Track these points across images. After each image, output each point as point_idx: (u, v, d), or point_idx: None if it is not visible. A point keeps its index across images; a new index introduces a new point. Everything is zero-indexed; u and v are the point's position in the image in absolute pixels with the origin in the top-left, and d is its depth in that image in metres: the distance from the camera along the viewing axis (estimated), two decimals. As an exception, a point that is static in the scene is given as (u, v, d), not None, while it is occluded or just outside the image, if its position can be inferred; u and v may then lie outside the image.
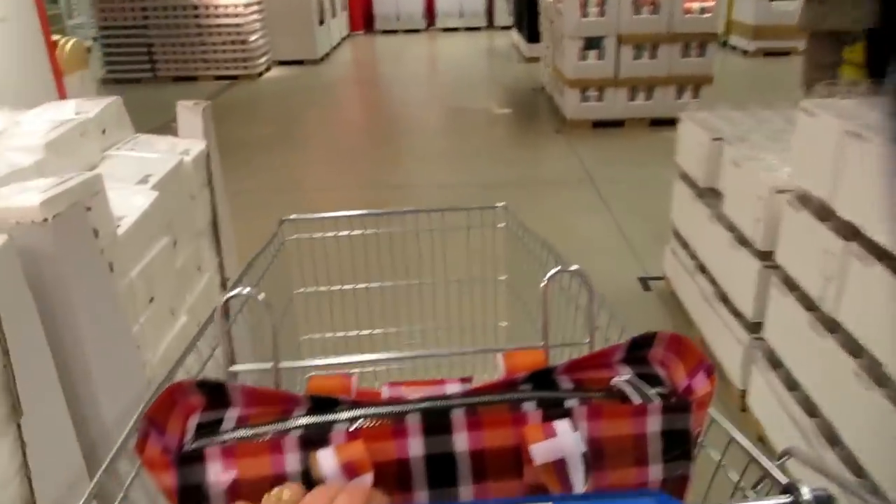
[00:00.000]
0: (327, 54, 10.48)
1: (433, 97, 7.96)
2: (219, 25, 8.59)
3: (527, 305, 1.50)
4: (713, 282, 2.57)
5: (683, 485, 0.57)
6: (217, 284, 2.00)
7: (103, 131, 1.78)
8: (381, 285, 1.59)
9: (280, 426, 0.56)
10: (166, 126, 2.06)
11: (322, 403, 0.58)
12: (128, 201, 1.52)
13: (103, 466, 0.63)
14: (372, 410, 0.57)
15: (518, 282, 1.61)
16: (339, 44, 11.56)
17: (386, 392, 0.66)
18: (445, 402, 0.58)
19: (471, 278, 1.63)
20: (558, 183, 4.89)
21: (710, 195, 2.64)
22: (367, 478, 0.51)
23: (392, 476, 0.54)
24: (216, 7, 8.59)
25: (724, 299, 2.45)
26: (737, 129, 2.64)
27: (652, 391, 0.58)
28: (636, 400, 0.57)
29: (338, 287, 1.59)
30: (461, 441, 0.55)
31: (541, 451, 0.53)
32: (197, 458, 0.53)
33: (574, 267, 0.83)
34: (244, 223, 2.59)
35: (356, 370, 0.78)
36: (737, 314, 2.34)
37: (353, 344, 1.63)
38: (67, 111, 1.73)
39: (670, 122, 3.65)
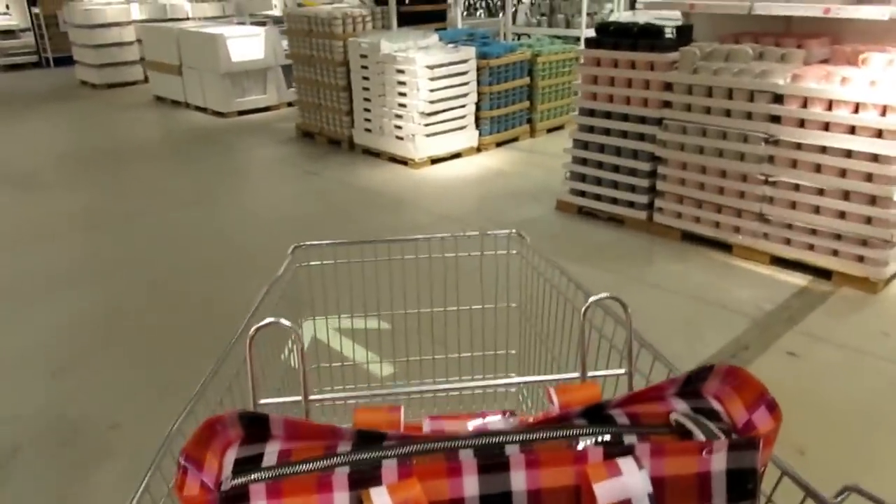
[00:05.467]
0: None
1: None
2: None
3: (540, 333, 1.47)
4: None
5: None
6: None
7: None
8: (392, 313, 1.56)
9: (326, 462, 0.53)
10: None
11: (369, 437, 0.55)
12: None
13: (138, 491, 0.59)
14: (423, 446, 0.55)
15: (530, 309, 1.59)
16: None
17: (427, 425, 0.63)
18: (500, 437, 0.55)
19: (482, 307, 1.61)
20: None
21: None
22: None
23: None
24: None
25: None
26: None
27: (713, 427, 0.56)
28: (699, 436, 0.55)
29: (347, 315, 1.56)
30: (518, 480, 0.52)
31: (606, 491, 0.50)
32: (241, 495, 0.50)
33: (606, 295, 0.81)
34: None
35: (384, 401, 0.75)
36: None
37: (362, 373, 1.60)
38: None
39: None
